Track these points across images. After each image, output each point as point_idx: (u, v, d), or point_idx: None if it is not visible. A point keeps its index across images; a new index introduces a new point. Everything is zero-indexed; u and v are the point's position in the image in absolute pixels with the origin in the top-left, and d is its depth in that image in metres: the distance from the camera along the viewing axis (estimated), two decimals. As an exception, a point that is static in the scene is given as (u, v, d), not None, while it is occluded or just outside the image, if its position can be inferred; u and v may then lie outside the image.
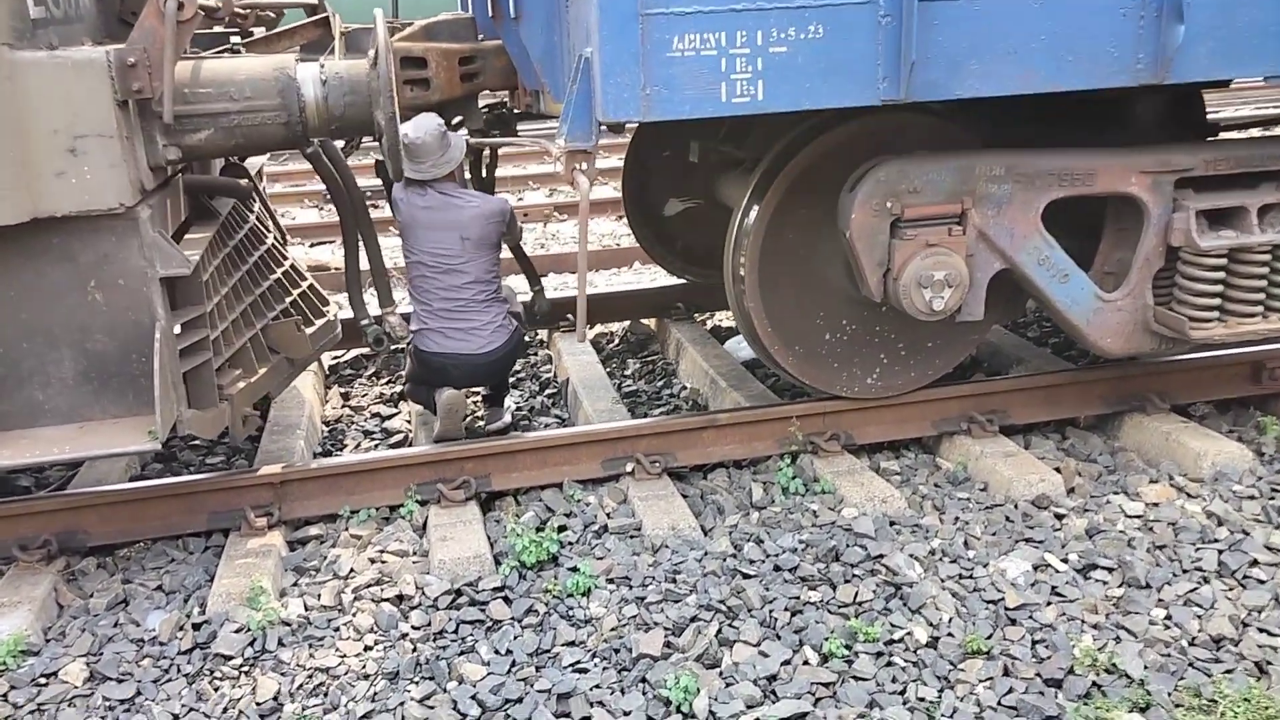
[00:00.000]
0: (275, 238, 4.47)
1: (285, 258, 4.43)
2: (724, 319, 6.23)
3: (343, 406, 5.28)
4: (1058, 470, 4.01)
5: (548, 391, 5.35)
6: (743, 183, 5.03)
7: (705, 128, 5.02)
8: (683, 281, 6.07)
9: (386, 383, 5.54)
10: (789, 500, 3.90)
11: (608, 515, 3.83)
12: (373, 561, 3.61)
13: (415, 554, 3.66)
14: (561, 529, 3.71)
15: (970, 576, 3.36)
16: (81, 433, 3.23)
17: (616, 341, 6.04)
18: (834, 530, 3.64)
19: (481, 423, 4.71)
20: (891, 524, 3.69)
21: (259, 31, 4.25)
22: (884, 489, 3.88)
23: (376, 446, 4.79)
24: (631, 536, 3.69)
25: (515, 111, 4.94)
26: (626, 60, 3.06)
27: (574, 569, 3.46)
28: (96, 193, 3.03)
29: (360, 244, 4.32)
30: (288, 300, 4.26)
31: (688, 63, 3.11)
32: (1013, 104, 3.54)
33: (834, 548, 3.48)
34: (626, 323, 6.15)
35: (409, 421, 5.02)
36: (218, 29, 4.18)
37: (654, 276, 7.41)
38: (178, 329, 3.32)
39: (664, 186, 5.78)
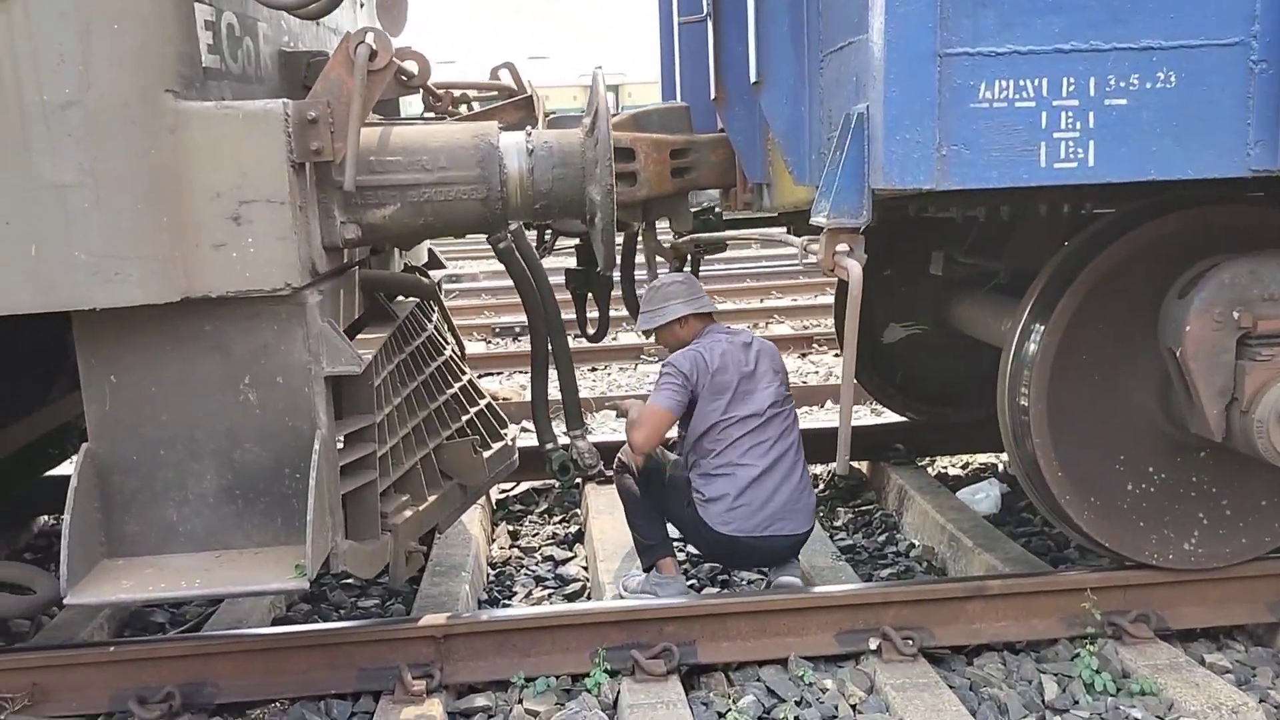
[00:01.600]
0: (453, 349, 3.92)
1: (464, 371, 3.85)
2: (949, 464, 5.34)
3: (511, 547, 4.60)
4: None
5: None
6: (994, 301, 4.27)
7: (951, 234, 4.30)
8: (902, 419, 5.25)
9: (560, 521, 4.85)
10: (1097, 701, 2.94)
11: (854, 708, 2.95)
12: (554, 750, 2.83)
13: (607, 743, 2.87)
14: (794, 722, 2.86)
15: None
16: (218, 563, 2.61)
17: (822, 487, 5.22)
18: (1175, 751, 2.67)
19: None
20: (1255, 747, 2.69)
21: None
22: (1231, 694, 2.89)
23: (550, 596, 4.06)
24: (890, 740, 2.80)
25: (724, 217, 4.36)
26: (919, 111, 2.38)
27: (820, 782, 2.59)
28: (260, 270, 2.49)
29: (551, 359, 3.71)
30: (463, 419, 3.66)
31: (998, 116, 2.41)
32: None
33: (1188, 779, 2.52)
34: (833, 465, 5.32)
35: (585, 568, 4.30)
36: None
37: (857, 414, 6.59)
38: (340, 442, 2.72)
39: (883, 309, 5.04)
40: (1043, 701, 2.99)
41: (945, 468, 5.30)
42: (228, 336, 2.59)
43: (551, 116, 3.65)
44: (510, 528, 4.78)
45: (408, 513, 3.09)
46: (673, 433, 3.90)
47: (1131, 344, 3.17)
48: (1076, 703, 2.95)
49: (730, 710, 2.94)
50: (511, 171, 2.82)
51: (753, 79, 3.02)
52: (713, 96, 3.54)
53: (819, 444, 5.17)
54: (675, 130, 3.80)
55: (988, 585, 3.27)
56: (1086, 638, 3.22)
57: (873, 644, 3.19)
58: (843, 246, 2.62)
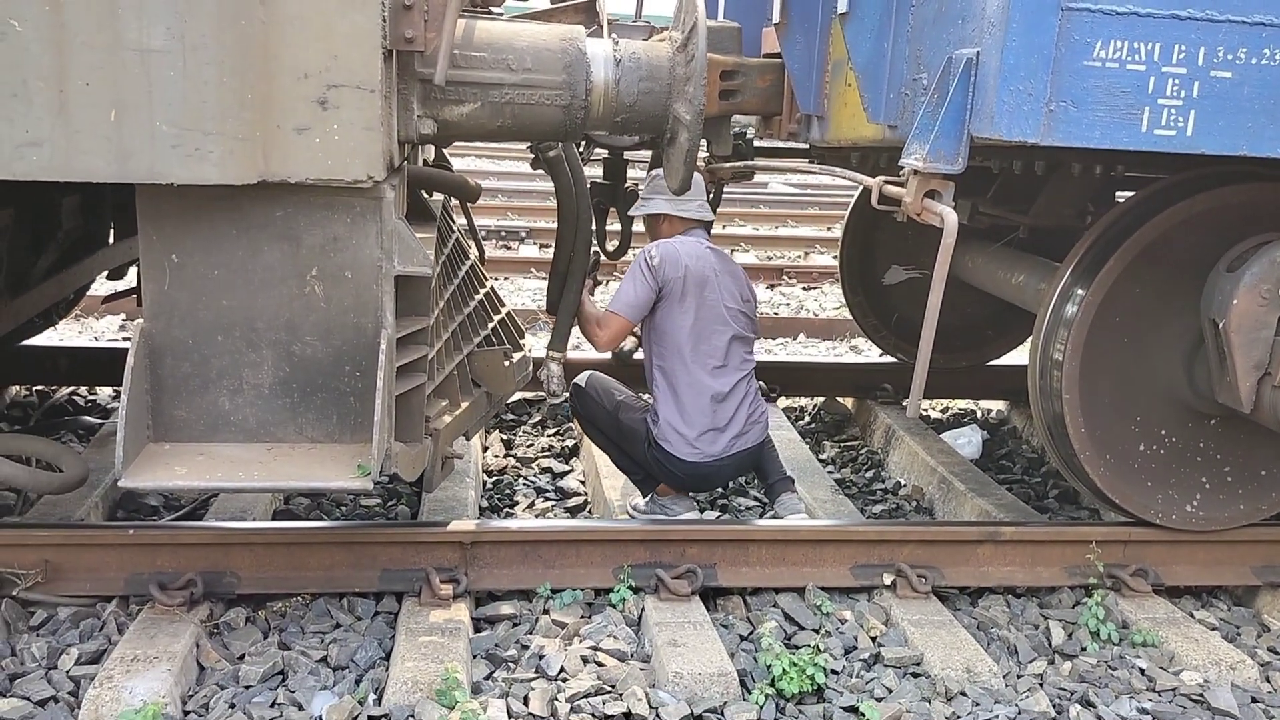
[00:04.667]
0: (475, 254, 3.83)
1: (487, 278, 3.78)
2: (930, 407, 5.46)
3: (506, 456, 4.59)
4: None
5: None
6: (1007, 256, 4.32)
7: (974, 183, 4.32)
8: (891, 360, 5.33)
9: (554, 434, 4.85)
10: (1103, 650, 3.08)
11: (874, 640, 3.05)
12: (586, 661, 2.87)
13: (635, 657, 2.92)
14: (818, 650, 2.93)
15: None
16: (272, 456, 2.55)
17: (808, 419, 5.30)
18: (1182, 701, 2.82)
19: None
20: (1253, 700, 2.86)
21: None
22: (1229, 651, 3.05)
23: (553, 508, 4.08)
24: (913, 674, 2.90)
25: (754, 144, 4.31)
26: (1034, 63, 2.36)
27: (852, 709, 2.68)
28: (341, 159, 2.39)
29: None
30: (490, 326, 3.60)
31: (1108, 76, 2.41)
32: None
33: (1200, 728, 2.67)
34: (820, 399, 5.40)
35: (583, 482, 4.32)
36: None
37: (837, 350, 6.69)
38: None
39: (889, 251, 5.10)
40: (1051, 646, 3.13)
41: (926, 411, 5.42)
42: (298, 225, 2.49)
43: (614, 23, 3.53)
44: (504, 437, 4.76)
45: (447, 418, 3.05)
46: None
47: (1165, 311, 3.25)
48: (1083, 649, 3.09)
49: (756, 633, 3.01)
50: (598, 80, 2.73)
51: (842, 9, 2.96)
52: (775, 21, 3.47)
53: (795, 376, 5.26)
54: (725, 50, 3.70)
55: (1001, 531, 3.37)
56: (1086, 588, 3.36)
57: (887, 579, 3.28)
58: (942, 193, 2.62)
